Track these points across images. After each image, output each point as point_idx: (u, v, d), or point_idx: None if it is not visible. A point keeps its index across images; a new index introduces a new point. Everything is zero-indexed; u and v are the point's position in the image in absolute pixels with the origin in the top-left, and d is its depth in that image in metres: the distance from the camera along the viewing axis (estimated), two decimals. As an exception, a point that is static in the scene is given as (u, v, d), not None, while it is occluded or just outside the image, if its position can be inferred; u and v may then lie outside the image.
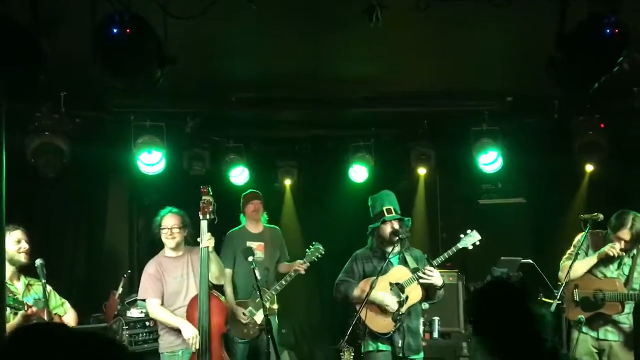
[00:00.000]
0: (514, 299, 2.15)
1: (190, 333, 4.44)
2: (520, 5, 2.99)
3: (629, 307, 4.59)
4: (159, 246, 4.87)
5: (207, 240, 4.50)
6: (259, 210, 5.98)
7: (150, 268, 4.67)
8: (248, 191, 6.08)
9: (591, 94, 3.56)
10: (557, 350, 2.10)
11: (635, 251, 4.59)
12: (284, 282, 5.66)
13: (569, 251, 4.76)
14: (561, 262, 4.74)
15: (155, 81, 2.88)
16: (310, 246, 5.80)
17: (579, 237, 4.72)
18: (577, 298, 4.64)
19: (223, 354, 4.62)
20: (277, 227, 6.24)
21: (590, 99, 5.38)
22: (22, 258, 4.15)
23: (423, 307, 5.04)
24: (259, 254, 5.84)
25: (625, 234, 4.48)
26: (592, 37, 2.77)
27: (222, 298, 4.75)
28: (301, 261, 5.73)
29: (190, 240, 4.78)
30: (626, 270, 4.60)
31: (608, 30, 2.71)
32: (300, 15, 3.88)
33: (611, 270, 4.63)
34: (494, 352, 2.07)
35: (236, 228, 6.02)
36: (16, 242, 4.12)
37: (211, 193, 4.59)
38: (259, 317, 5.64)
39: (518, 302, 2.14)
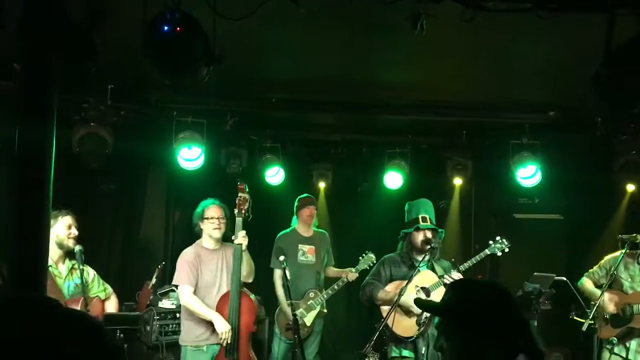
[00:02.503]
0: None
1: (224, 327, 4.40)
2: (567, 18, 2.95)
3: None
4: (194, 239, 4.93)
5: (241, 237, 4.49)
6: (314, 215, 6.07)
7: (188, 255, 4.65)
8: (304, 195, 6.15)
9: (636, 113, 3.51)
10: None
11: None
12: (336, 287, 5.79)
13: (592, 269, 4.78)
14: (582, 279, 4.74)
15: (201, 79, 2.95)
16: (364, 255, 5.88)
17: (608, 257, 4.69)
18: (607, 315, 4.59)
19: (251, 354, 4.60)
20: (325, 231, 6.29)
21: (634, 117, 5.28)
22: (71, 243, 4.30)
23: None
24: (311, 258, 5.97)
25: None
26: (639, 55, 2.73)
27: (253, 297, 4.71)
28: (352, 270, 5.81)
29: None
30: None
31: (657, 49, 2.67)
32: (342, 19, 3.90)
33: None
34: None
35: (287, 230, 6.11)
36: (67, 227, 4.28)
37: (247, 190, 4.58)
38: (308, 319, 5.72)
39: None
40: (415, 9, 2.99)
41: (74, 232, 4.32)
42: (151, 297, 5.51)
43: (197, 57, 2.85)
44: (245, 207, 4.52)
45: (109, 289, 4.59)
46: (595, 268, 4.80)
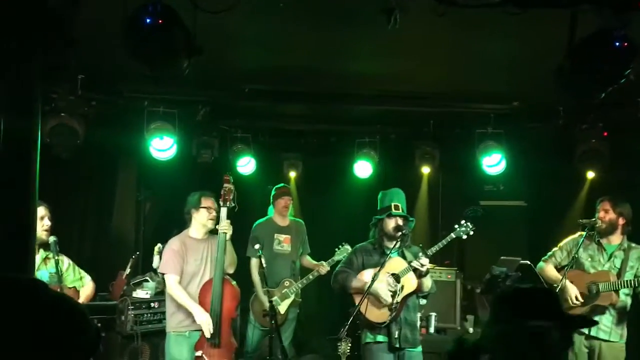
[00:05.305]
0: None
1: (203, 318, 4.50)
2: (532, 14, 3.08)
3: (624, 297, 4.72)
4: (165, 230, 4.95)
5: (226, 226, 4.59)
6: (289, 206, 6.16)
7: (174, 244, 4.73)
8: (280, 185, 6.25)
9: (595, 104, 3.70)
10: None
11: (626, 245, 4.76)
12: (310, 277, 5.92)
13: (552, 252, 4.95)
14: (541, 264, 4.93)
15: (182, 71, 2.99)
16: (340, 246, 5.97)
17: (567, 239, 4.92)
18: (576, 301, 4.77)
19: (232, 339, 4.71)
20: (301, 220, 6.38)
21: (594, 107, 5.51)
22: (44, 235, 4.26)
23: (420, 303, 5.15)
24: (286, 247, 6.09)
25: (605, 204, 4.75)
26: (601, 49, 2.89)
27: (234, 283, 4.80)
28: (325, 263, 5.93)
29: None
30: (617, 262, 4.75)
31: (617, 44, 2.83)
32: (313, 9, 3.96)
33: (602, 264, 4.79)
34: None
35: (263, 219, 6.18)
36: (40, 219, 4.23)
37: (232, 181, 4.70)
38: (283, 307, 5.82)
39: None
40: (389, 2, 3.08)
41: (47, 223, 4.29)
42: (125, 287, 5.52)
43: (178, 49, 2.89)
44: (231, 197, 4.62)
45: (86, 277, 4.59)
46: (555, 250, 4.96)
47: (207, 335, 4.51)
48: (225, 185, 4.65)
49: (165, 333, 4.78)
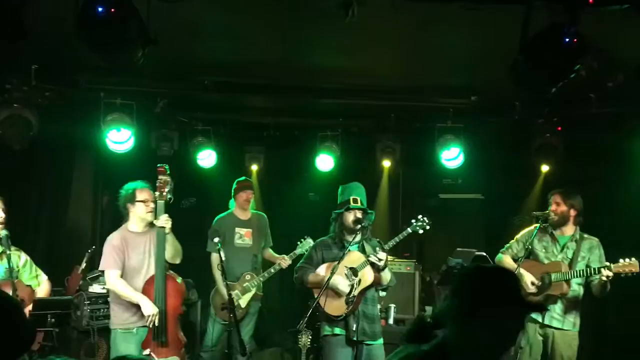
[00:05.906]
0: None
1: (150, 310, 4.34)
2: (490, 10, 3.14)
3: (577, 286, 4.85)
4: (122, 222, 4.84)
5: (164, 220, 4.39)
6: (250, 200, 6.10)
7: (113, 240, 4.50)
8: (242, 179, 6.16)
9: (551, 99, 3.80)
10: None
11: (578, 236, 4.89)
12: (272, 271, 5.87)
13: (509, 244, 5.05)
14: (500, 256, 5.04)
15: (136, 60, 2.94)
16: (302, 239, 5.94)
17: (523, 232, 5.03)
18: (530, 290, 4.88)
19: (179, 335, 4.58)
20: (263, 214, 6.33)
21: (549, 103, 5.65)
22: None
23: (380, 295, 5.21)
24: (247, 240, 6.03)
25: (557, 197, 4.86)
26: (552, 44, 2.97)
27: (179, 279, 4.64)
28: (286, 257, 5.89)
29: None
30: (569, 253, 4.88)
31: (567, 40, 2.91)
32: (276, 3, 3.95)
33: (555, 255, 4.92)
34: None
35: (224, 213, 6.11)
36: None
37: (168, 172, 4.46)
38: (244, 300, 5.78)
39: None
40: (347, -5, 3.09)
41: (1, 215, 4.18)
42: (81, 281, 5.42)
43: (132, 38, 2.84)
44: (166, 189, 4.39)
45: (42, 276, 4.46)
46: (512, 242, 5.08)
47: (150, 325, 4.35)
48: (160, 177, 4.39)
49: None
